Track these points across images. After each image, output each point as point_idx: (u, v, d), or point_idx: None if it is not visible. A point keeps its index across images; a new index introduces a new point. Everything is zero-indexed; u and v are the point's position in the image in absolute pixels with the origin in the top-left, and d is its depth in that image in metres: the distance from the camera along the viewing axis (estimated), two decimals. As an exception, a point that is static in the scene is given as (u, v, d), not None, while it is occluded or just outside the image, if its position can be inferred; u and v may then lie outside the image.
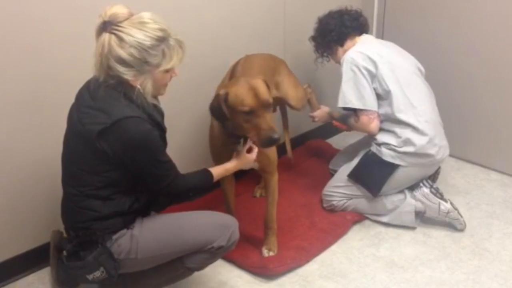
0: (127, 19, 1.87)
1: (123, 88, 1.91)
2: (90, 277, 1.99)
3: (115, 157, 1.92)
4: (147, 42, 1.85)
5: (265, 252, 2.63)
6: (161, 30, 1.89)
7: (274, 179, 2.59)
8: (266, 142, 2.23)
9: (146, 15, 1.89)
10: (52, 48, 2.36)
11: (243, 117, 2.24)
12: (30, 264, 2.57)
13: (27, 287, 2.51)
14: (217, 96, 2.29)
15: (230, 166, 2.31)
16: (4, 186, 2.40)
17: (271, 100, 2.27)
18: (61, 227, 2.20)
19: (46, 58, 2.35)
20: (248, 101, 2.21)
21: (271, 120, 2.25)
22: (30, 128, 2.40)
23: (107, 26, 1.85)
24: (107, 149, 1.91)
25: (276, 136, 2.21)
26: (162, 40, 1.89)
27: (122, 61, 1.85)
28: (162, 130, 2.04)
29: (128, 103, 1.91)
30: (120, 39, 1.84)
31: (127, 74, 1.88)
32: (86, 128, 1.91)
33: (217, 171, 2.23)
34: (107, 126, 1.87)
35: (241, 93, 2.23)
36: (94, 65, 1.91)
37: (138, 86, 1.92)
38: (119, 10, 1.87)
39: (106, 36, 1.85)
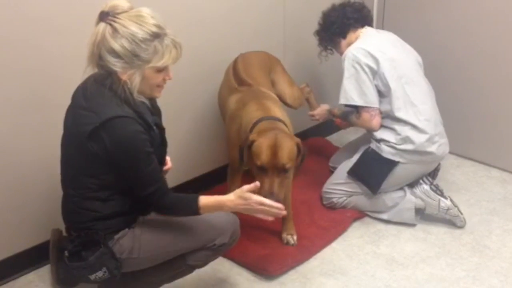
0: (125, 12, 1.86)
1: (110, 81, 1.88)
2: (92, 277, 1.99)
3: (107, 158, 1.90)
4: (139, 35, 1.83)
5: (289, 238, 2.69)
6: (157, 26, 1.86)
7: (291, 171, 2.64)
8: None
9: (145, 10, 1.88)
10: (52, 46, 2.36)
11: (255, 168, 2.29)
12: (31, 262, 2.57)
13: (27, 284, 2.51)
14: (246, 139, 2.33)
15: (227, 206, 2.04)
16: (4, 184, 2.40)
17: (288, 166, 2.25)
18: (61, 225, 2.20)
19: (46, 56, 2.35)
20: (263, 157, 2.24)
21: (277, 185, 2.23)
22: (30, 127, 2.40)
23: (105, 16, 1.84)
24: (98, 151, 1.88)
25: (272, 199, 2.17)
26: (156, 36, 1.86)
27: (112, 52, 1.83)
28: (151, 129, 1.98)
29: (117, 102, 1.88)
30: (114, 29, 1.83)
31: (116, 65, 1.85)
32: (79, 130, 1.90)
33: (208, 204, 2.00)
34: (96, 126, 1.85)
35: (262, 147, 2.25)
36: (87, 58, 1.89)
37: (126, 80, 1.88)
38: (120, 2, 1.87)
39: (101, 25, 1.84)
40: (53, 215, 2.36)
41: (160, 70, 1.92)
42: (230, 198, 2.02)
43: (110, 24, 1.83)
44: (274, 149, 2.24)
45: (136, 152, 1.89)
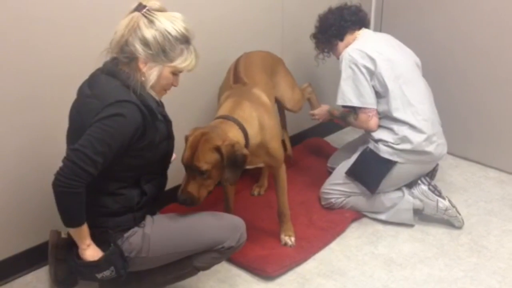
0: (161, 11, 1.95)
1: (126, 70, 1.93)
2: (99, 275, 2.00)
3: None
4: (173, 33, 1.92)
5: (286, 239, 2.69)
6: (188, 31, 1.97)
7: (281, 171, 2.63)
8: (178, 200, 2.20)
9: (178, 14, 1.98)
10: (51, 46, 2.36)
11: None
12: (29, 263, 2.57)
13: (25, 286, 2.51)
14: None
15: (82, 239, 1.97)
16: (2, 184, 2.40)
17: (204, 168, 2.15)
18: (59, 226, 2.19)
19: (45, 56, 2.35)
20: (183, 156, 2.20)
21: (193, 186, 2.17)
22: (28, 126, 2.40)
23: (142, 8, 1.92)
24: None
25: (179, 197, 2.17)
26: (185, 39, 1.96)
27: (143, 40, 1.90)
28: (156, 118, 2.00)
29: (123, 89, 1.91)
30: (150, 21, 1.91)
31: (141, 53, 1.91)
32: (83, 119, 1.91)
33: (81, 229, 1.94)
34: (99, 111, 1.87)
35: (186, 145, 2.21)
36: (111, 40, 1.93)
37: (143, 71, 1.93)
38: (155, 2, 1.96)
39: (137, 14, 1.91)
40: (52, 216, 2.34)
41: (175, 73, 2.01)
42: (87, 244, 1.97)
43: (146, 16, 1.91)
44: (192, 149, 2.17)
45: (109, 128, 1.85)
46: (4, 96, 2.29)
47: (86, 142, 1.84)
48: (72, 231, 1.95)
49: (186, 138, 2.24)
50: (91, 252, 1.98)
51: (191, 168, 2.18)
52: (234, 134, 2.28)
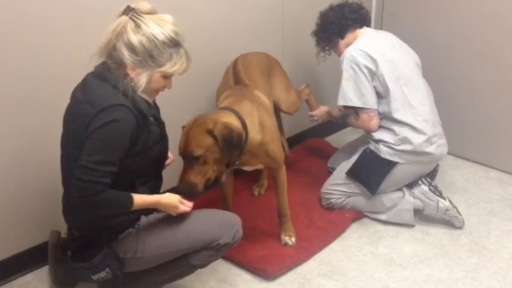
0: (150, 14, 1.90)
1: (114, 76, 1.91)
2: (95, 277, 2.00)
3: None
4: (160, 37, 1.87)
5: (287, 239, 2.68)
6: (177, 34, 1.92)
7: (281, 172, 2.62)
8: (177, 191, 2.15)
9: (168, 17, 1.93)
10: (51, 47, 2.36)
11: None
12: (29, 263, 2.57)
13: (25, 286, 2.51)
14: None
15: (151, 201, 2.01)
16: (2, 185, 2.40)
17: (196, 153, 2.14)
18: (59, 226, 2.20)
19: (44, 57, 2.35)
20: (179, 145, 2.20)
21: (190, 174, 2.15)
22: (28, 127, 2.40)
23: (130, 11, 1.88)
24: None
25: (179, 188, 2.14)
26: (174, 43, 1.91)
27: (130, 45, 1.86)
28: (148, 120, 1.98)
29: (114, 93, 1.89)
30: (137, 25, 1.87)
31: (128, 59, 1.88)
32: (77, 125, 1.90)
33: (138, 200, 1.95)
34: (92, 117, 1.85)
35: (183, 134, 2.20)
36: (100, 45, 1.91)
37: (132, 76, 1.90)
38: (145, 4, 1.92)
39: (124, 18, 1.88)
40: (52, 216, 2.36)
41: (166, 77, 1.97)
42: (153, 200, 2.01)
43: (133, 20, 1.87)
44: (186, 137, 2.17)
45: (110, 136, 1.85)
46: (3, 97, 2.29)
47: (87, 156, 1.82)
48: (136, 207, 1.95)
49: (183, 128, 2.24)
50: (167, 200, 2.02)
51: (186, 155, 2.17)
52: (228, 120, 2.24)
